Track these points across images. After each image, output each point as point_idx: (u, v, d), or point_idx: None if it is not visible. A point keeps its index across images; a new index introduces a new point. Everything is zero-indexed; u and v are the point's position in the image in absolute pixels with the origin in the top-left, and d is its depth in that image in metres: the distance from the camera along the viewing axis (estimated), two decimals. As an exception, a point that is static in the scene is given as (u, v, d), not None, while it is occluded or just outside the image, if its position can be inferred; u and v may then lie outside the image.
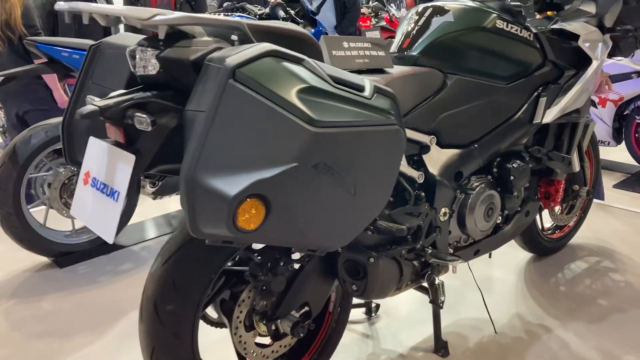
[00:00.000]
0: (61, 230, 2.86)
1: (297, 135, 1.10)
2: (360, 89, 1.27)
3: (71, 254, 2.83)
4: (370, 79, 1.56)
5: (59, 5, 1.41)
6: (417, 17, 1.96)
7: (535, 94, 2.01)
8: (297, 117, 1.11)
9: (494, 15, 1.90)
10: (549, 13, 2.06)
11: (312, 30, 3.51)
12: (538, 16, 2.02)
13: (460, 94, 1.86)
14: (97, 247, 2.88)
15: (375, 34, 6.97)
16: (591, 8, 2.04)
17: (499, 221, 2.09)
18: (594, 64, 2.07)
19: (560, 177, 2.23)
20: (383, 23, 7.35)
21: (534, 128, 2.04)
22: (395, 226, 1.63)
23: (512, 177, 1.98)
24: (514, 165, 1.99)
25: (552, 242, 2.71)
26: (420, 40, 1.88)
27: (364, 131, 1.21)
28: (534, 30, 1.96)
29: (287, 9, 3.38)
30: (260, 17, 3.41)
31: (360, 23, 7.33)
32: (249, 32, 1.32)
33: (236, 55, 1.14)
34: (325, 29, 3.60)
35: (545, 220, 2.70)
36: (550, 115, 2.01)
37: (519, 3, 1.98)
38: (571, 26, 2.01)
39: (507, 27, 1.90)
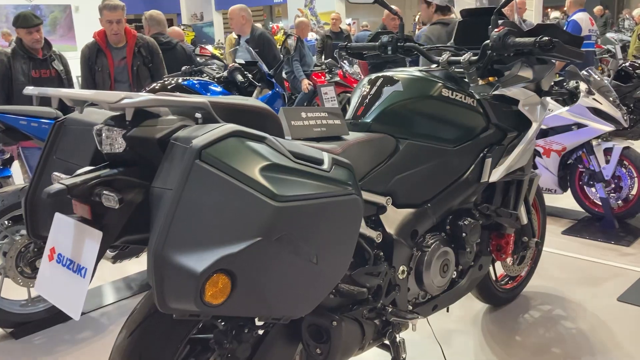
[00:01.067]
0: (16, 300, 2.80)
1: (260, 210, 1.16)
2: (319, 162, 1.35)
3: (27, 323, 2.77)
4: (327, 149, 1.65)
5: (28, 90, 1.45)
6: (370, 86, 2.07)
7: (481, 155, 2.14)
8: (261, 193, 1.17)
9: (440, 84, 2.03)
10: (490, 79, 2.22)
11: (269, 92, 3.62)
12: (480, 82, 2.17)
13: (412, 157, 1.97)
14: (54, 316, 2.82)
15: (330, 89, 7.19)
16: (528, 74, 2.20)
17: (454, 276, 2.18)
18: (534, 125, 2.22)
19: (509, 230, 2.35)
20: (337, 79, 7.59)
21: (481, 187, 2.16)
22: (357, 289, 1.69)
23: (464, 234, 2.08)
24: (465, 222, 2.09)
25: (506, 293, 2.81)
26: (372, 108, 1.99)
27: (324, 202, 1.28)
28: (477, 97, 2.10)
29: (245, 72, 3.49)
30: (219, 80, 3.51)
31: (315, 79, 7.55)
32: (212, 111, 1.39)
33: (202, 136, 1.21)
34: (282, 91, 3.72)
35: (499, 271, 2.81)
36: (496, 175, 2.14)
37: (462, 70, 2.13)
38: (511, 92, 2.16)
39: (452, 94, 2.03)
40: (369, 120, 1.98)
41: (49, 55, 4.36)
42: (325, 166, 1.35)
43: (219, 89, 3.37)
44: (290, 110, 1.79)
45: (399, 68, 2.21)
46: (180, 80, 3.26)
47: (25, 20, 4.22)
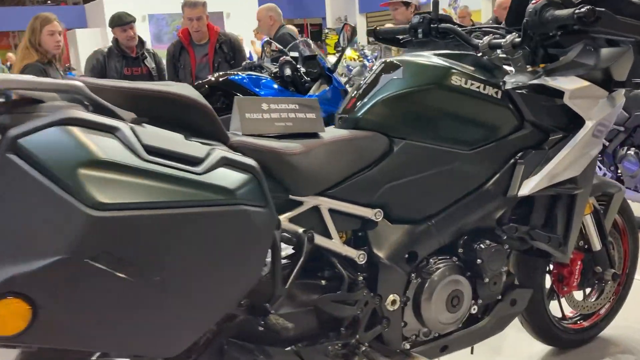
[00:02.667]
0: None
1: (70, 220, 0.91)
2: (194, 161, 1.06)
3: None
4: (282, 148, 1.36)
5: None
6: (369, 74, 1.73)
7: (512, 161, 1.69)
8: (76, 198, 0.92)
9: (450, 69, 1.62)
10: (541, 66, 1.76)
11: (327, 87, 3.34)
12: (530, 69, 1.73)
13: (409, 161, 1.59)
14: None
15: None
16: (590, 60, 1.71)
17: (474, 311, 1.74)
18: (588, 124, 1.71)
19: (562, 259, 1.85)
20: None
21: (510, 202, 1.70)
22: (281, 322, 1.35)
23: (479, 260, 1.65)
24: (482, 245, 1.66)
25: (574, 334, 2.26)
26: (364, 100, 1.65)
27: (179, 213, 0.99)
28: (503, 87, 1.66)
29: (297, 66, 3.24)
30: (274, 75, 3.30)
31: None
32: (91, 95, 1.16)
33: (25, 124, 0.98)
34: (343, 86, 3.43)
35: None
36: (528, 187, 1.67)
37: (505, 56, 1.71)
38: (555, 81, 1.68)
39: (465, 83, 1.62)
40: (358, 115, 1.63)
41: (141, 53, 4.46)
42: (200, 168, 1.06)
43: (274, 85, 3.17)
44: (247, 100, 1.52)
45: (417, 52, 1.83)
46: (232, 76, 3.10)
47: (120, 19, 4.36)
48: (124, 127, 1.03)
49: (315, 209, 1.50)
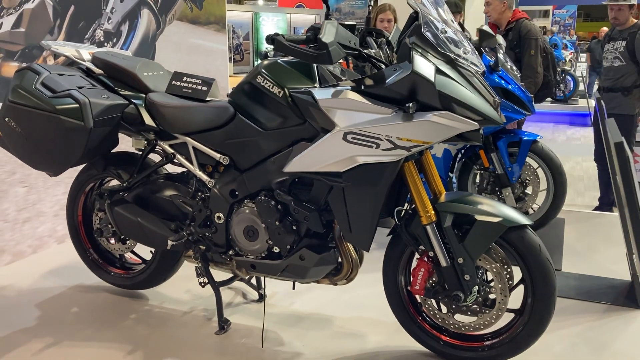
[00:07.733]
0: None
1: None
2: (53, 91, 2.37)
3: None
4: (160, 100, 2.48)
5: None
6: None
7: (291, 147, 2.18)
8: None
9: (258, 71, 2.22)
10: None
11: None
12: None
13: (233, 129, 2.33)
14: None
15: None
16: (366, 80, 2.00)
17: (276, 250, 2.34)
18: (335, 130, 1.99)
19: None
20: None
21: (284, 174, 2.21)
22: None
23: (255, 209, 2.29)
24: (261, 198, 2.29)
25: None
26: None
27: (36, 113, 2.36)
28: (286, 90, 2.14)
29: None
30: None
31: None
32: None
33: None
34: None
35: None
36: (288, 167, 2.16)
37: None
38: (319, 91, 2.05)
39: (263, 82, 2.19)
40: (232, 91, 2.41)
41: None
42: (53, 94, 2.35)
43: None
44: (179, 73, 2.58)
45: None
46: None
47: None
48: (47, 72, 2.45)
49: (185, 144, 2.49)
